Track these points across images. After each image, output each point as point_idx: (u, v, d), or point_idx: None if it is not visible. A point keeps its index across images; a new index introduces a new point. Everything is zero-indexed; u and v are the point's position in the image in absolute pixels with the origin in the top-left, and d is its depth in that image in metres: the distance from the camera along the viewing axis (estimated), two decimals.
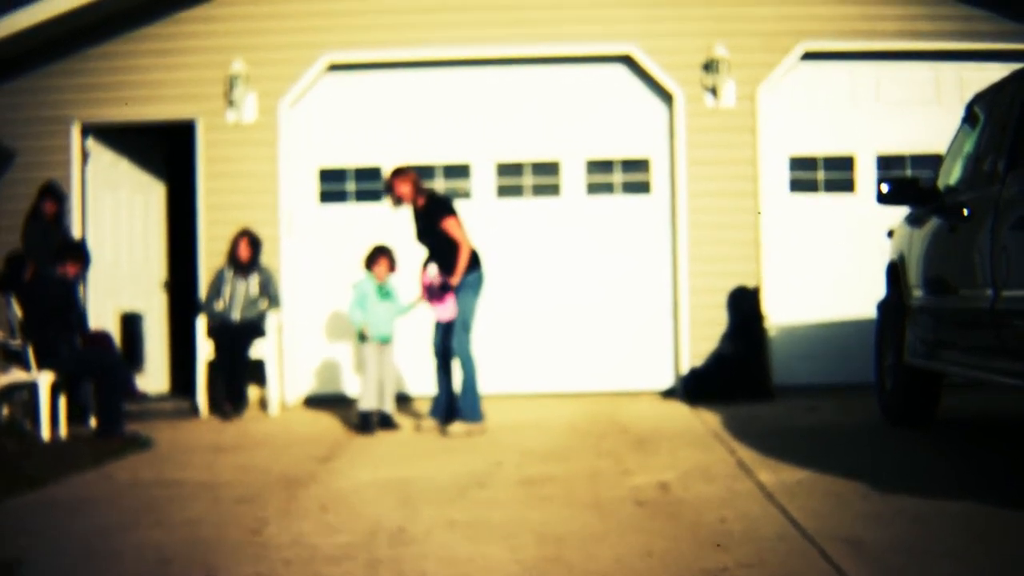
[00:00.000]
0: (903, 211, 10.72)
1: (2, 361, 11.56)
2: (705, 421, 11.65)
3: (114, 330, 14.59)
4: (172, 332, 15.91)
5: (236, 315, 13.54)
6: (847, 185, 14.26)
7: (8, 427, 11.29)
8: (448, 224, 11.40)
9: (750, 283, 13.94)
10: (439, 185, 14.30)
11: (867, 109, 14.27)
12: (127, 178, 15.39)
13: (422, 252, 11.83)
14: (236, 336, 13.43)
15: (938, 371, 9.81)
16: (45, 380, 11.17)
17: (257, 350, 13.57)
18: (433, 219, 11.49)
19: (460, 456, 9.92)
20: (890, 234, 11.21)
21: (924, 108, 14.15)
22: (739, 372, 13.59)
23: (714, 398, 13.23)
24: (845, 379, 13.66)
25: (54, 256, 12.07)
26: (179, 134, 14.80)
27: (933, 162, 12.06)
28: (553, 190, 14.49)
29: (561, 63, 14.44)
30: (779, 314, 14.07)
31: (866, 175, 14.17)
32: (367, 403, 11.81)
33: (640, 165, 14.40)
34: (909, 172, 13.98)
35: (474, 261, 11.50)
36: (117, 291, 15.10)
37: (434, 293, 11.41)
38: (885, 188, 9.91)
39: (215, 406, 13.41)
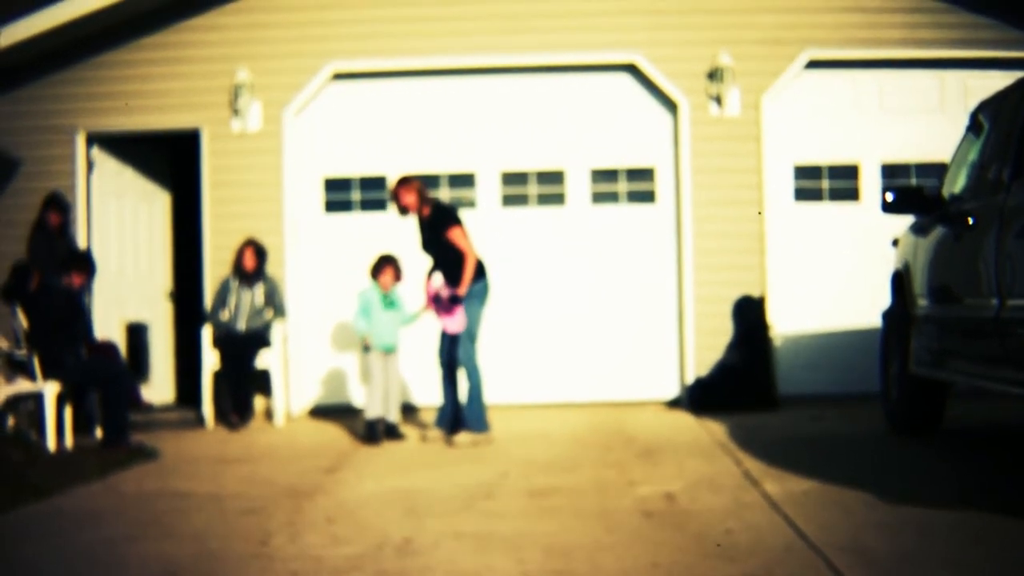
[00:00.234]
0: (908, 220, 10.72)
1: (7, 371, 11.57)
2: (710, 431, 11.64)
3: (119, 340, 14.59)
4: (177, 342, 15.91)
5: (241, 325, 13.54)
6: (851, 194, 14.25)
7: (14, 437, 11.30)
8: (453, 234, 11.40)
9: (755, 292, 13.93)
10: (444, 194, 14.30)
11: (871, 117, 14.27)
12: (132, 187, 15.40)
13: (428, 262, 11.83)
14: (241, 346, 13.43)
15: (943, 380, 9.81)
16: (51, 390, 11.18)
17: (262, 360, 13.56)
18: (438, 229, 11.49)
19: (466, 467, 9.92)
20: (895, 243, 11.21)
21: (928, 116, 14.14)
22: (744, 382, 13.58)
23: (719, 408, 13.22)
24: (850, 388, 13.63)
25: (59, 266, 12.08)
26: (184, 143, 14.79)
27: (938, 170, 12.08)
28: (558, 199, 14.48)
29: (566, 72, 14.44)
30: (784, 323, 14.05)
31: (870, 184, 14.16)
32: (373, 412, 11.81)
33: (645, 174, 14.40)
34: (914, 180, 13.97)
35: (479, 271, 11.50)
36: (122, 301, 15.10)
37: (443, 305, 11.39)
38: (890, 197, 9.90)
39: (221, 416, 13.42)
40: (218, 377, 13.50)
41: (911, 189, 10.25)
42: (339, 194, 14.59)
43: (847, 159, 14.24)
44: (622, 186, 14.44)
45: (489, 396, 11.78)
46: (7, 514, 8.19)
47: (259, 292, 13.60)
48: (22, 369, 11.57)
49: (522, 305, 14.21)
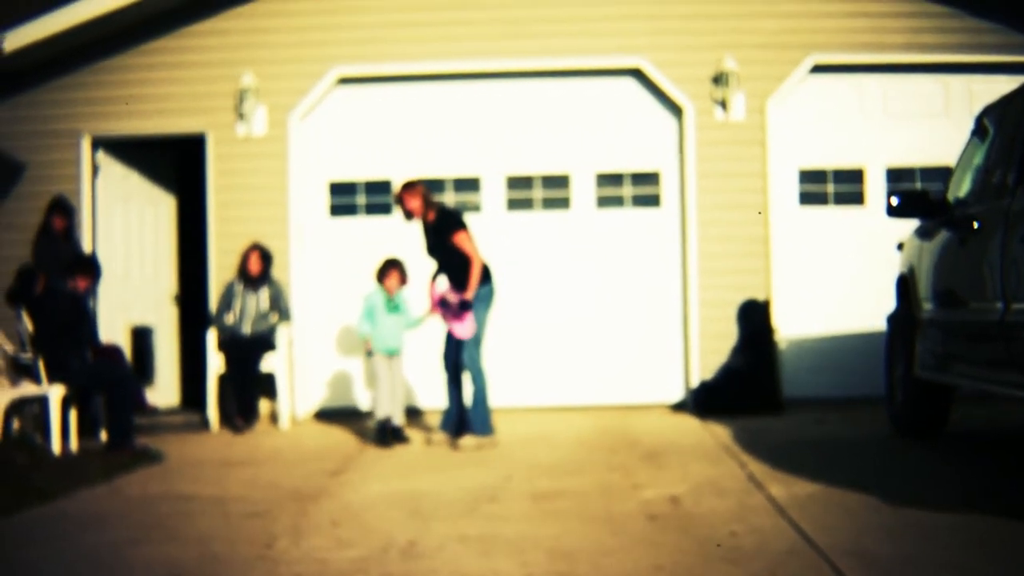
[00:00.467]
0: (913, 224, 10.72)
1: (13, 374, 11.57)
2: (715, 434, 11.64)
3: (124, 343, 14.61)
4: (182, 345, 15.92)
5: (247, 328, 13.55)
6: (856, 198, 14.25)
7: (19, 440, 11.30)
8: (459, 238, 11.40)
9: (760, 296, 13.93)
10: (449, 198, 14.31)
11: (876, 121, 14.27)
12: (137, 191, 15.41)
13: (432, 266, 11.84)
14: (247, 349, 13.44)
15: (948, 384, 9.81)
16: (56, 393, 11.18)
17: (268, 364, 13.57)
18: (443, 234, 11.50)
19: (471, 470, 9.92)
20: (900, 247, 11.21)
21: (933, 120, 14.14)
22: (749, 385, 13.58)
23: (724, 411, 13.22)
24: (855, 392, 13.63)
25: (65, 270, 12.09)
26: (189, 147, 14.81)
27: (942, 174, 12.07)
28: (563, 203, 14.48)
29: (571, 76, 14.45)
30: (789, 327, 14.05)
31: (875, 188, 14.17)
32: (383, 411, 11.84)
33: (650, 178, 14.40)
34: (918, 184, 13.97)
35: (485, 274, 11.51)
36: (127, 304, 15.11)
37: (453, 311, 11.39)
38: (895, 201, 9.91)
39: (226, 420, 13.43)
40: (223, 381, 13.51)
41: (916, 193, 10.23)
42: (344, 198, 14.60)
43: (852, 163, 14.24)
44: (627, 190, 14.45)
45: (493, 399, 11.77)
46: (12, 517, 8.20)
47: (264, 296, 13.60)
48: (27, 372, 11.58)
49: (527, 309, 14.21)
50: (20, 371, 11.65)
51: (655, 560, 6.35)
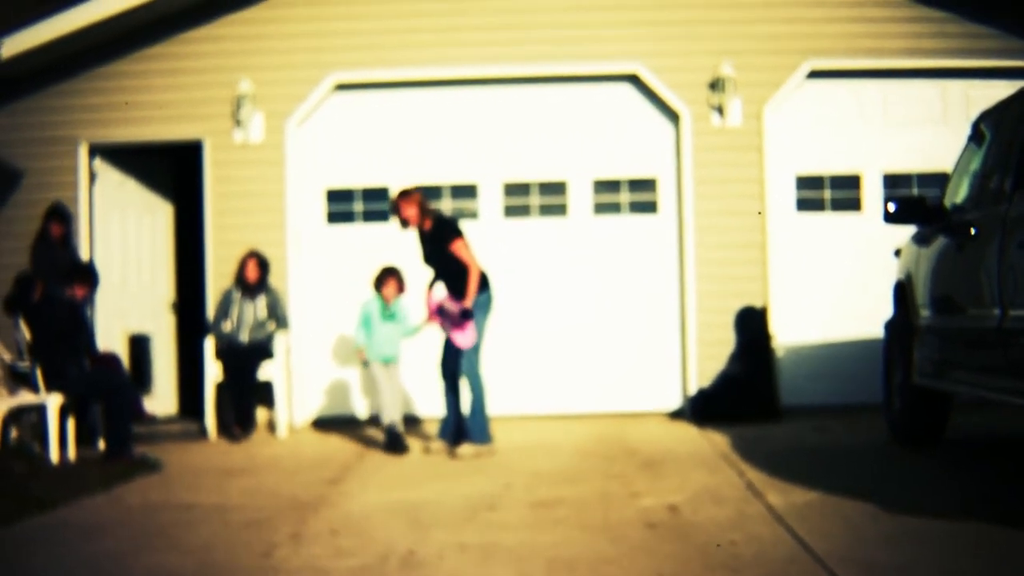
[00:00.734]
0: (910, 230, 10.72)
1: (10, 383, 11.57)
2: (713, 442, 11.64)
3: (122, 351, 14.59)
4: (180, 353, 15.89)
5: (244, 336, 13.54)
6: (854, 204, 14.25)
7: (17, 449, 11.30)
8: (456, 247, 11.40)
9: (757, 302, 13.93)
10: (446, 205, 14.31)
11: (873, 127, 14.27)
12: (135, 198, 15.40)
13: (429, 274, 11.84)
14: (244, 357, 13.43)
15: (946, 391, 9.81)
16: (54, 402, 11.18)
17: (265, 372, 13.55)
18: (441, 242, 11.50)
19: (469, 478, 9.92)
20: (897, 253, 11.22)
21: (930, 126, 14.14)
22: (747, 393, 13.58)
23: (722, 419, 13.21)
24: (852, 399, 13.61)
25: (62, 278, 12.09)
26: (186, 154, 14.80)
27: (940, 180, 12.08)
28: (560, 210, 14.48)
29: (568, 82, 14.45)
30: (786, 334, 14.05)
31: (873, 194, 14.16)
32: (389, 417, 11.88)
33: (647, 184, 14.40)
34: (916, 190, 13.96)
35: (483, 282, 11.51)
36: (125, 312, 15.10)
37: (453, 320, 11.39)
38: (892, 207, 9.92)
39: (224, 428, 13.41)
40: (221, 389, 13.50)
41: (913, 199, 10.24)
42: (341, 205, 14.59)
43: (849, 169, 14.24)
44: (624, 196, 14.45)
45: (492, 407, 11.77)
46: (11, 527, 8.20)
47: (261, 303, 13.59)
48: (25, 381, 11.58)
49: (524, 316, 14.19)
50: (18, 379, 11.65)
51: (654, 569, 6.36)
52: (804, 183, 14.29)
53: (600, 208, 14.45)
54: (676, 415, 14.08)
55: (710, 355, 13.99)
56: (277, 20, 14.36)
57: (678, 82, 14.10)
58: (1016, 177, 8.09)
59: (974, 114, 10.34)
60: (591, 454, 11.24)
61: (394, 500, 8.92)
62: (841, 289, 14.09)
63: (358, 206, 14.56)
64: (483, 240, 13.30)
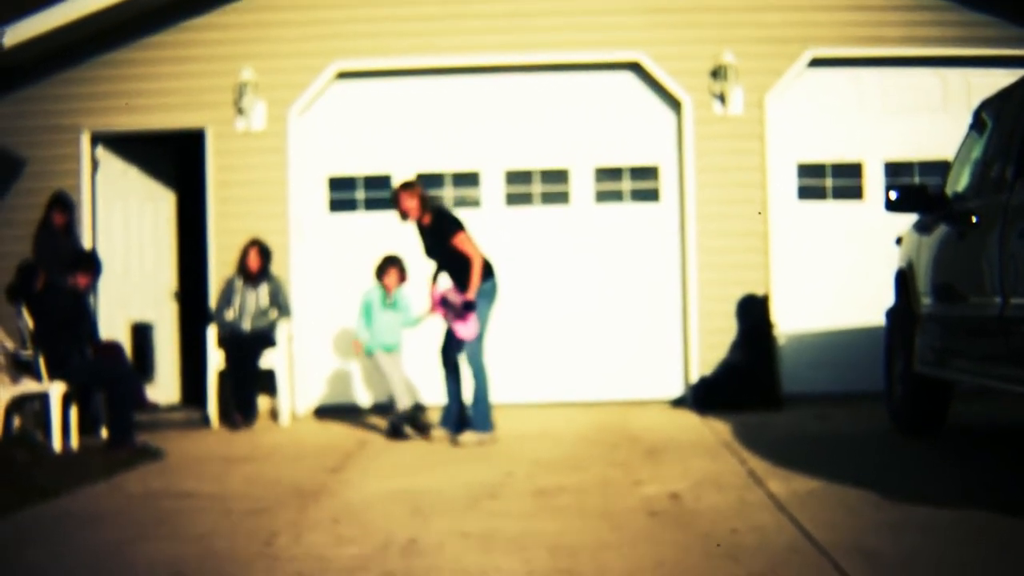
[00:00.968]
0: (911, 218, 10.72)
1: (13, 372, 11.58)
2: (715, 430, 11.65)
3: (125, 340, 14.60)
4: (182, 342, 15.89)
5: (246, 325, 13.54)
6: (855, 192, 14.25)
7: (19, 438, 11.31)
8: (459, 240, 11.40)
9: (759, 291, 13.94)
10: (448, 193, 14.33)
11: (874, 115, 14.26)
12: (137, 187, 15.40)
13: (432, 266, 11.85)
14: (246, 346, 13.43)
15: (947, 379, 9.81)
16: (56, 391, 11.19)
17: (267, 360, 13.56)
18: (443, 236, 11.49)
19: (471, 466, 9.93)
20: (898, 241, 11.21)
21: (931, 114, 14.13)
22: (748, 381, 13.58)
23: (724, 407, 13.22)
24: (854, 387, 13.60)
25: (65, 266, 12.10)
26: (189, 142, 14.80)
27: (941, 169, 12.06)
28: (562, 198, 14.48)
29: (570, 70, 14.44)
30: (788, 322, 14.05)
31: (874, 182, 14.16)
32: (404, 403, 11.91)
33: (649, 172, 14.40)
34: (917, 179, 13.96)
35: (488, 271, 11.51)
36: (127, 301, 15.11)
37: (456, 311, 11.39)
38: (893, 195, 9.91)
39: (226, 416, 13.41)
40: (223, 377, 13.50)
41: (915, 187, 10.24)
42: (344, 193, 14.59)
43: (851, 157, 14.24)
44: (626, 185, 14.45)
45: (494, 395, 11.78)
46: (14, 515, 8.21)
47: (264, 292, 13.60)
48: (28, 369, 11.59)
49: (526, 304, 14.19)
50: (20, 368, 11.65)
51: (656, 557, 6.37)
52: (806, 171, 14.29)
53: (602, 196, 14.45)
54: (678, 403, 14.09)
55: (712, 343, 14.00)
56: (279, 8, 14.36)
57: (680, 70, 14.09)
58: (1017, 165, 8.08)
59: (975, 102, 10.31)
60: (593, 442, 11.24)
61: (395, 488, 8.92)
62: (843, 277, 14.09)
63: (360, 194, 14.57)
64: (485, 228, 13.32)
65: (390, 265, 12.12)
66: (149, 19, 14.27)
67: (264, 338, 13.57)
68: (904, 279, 10.76)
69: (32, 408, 11.83)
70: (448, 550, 6.71)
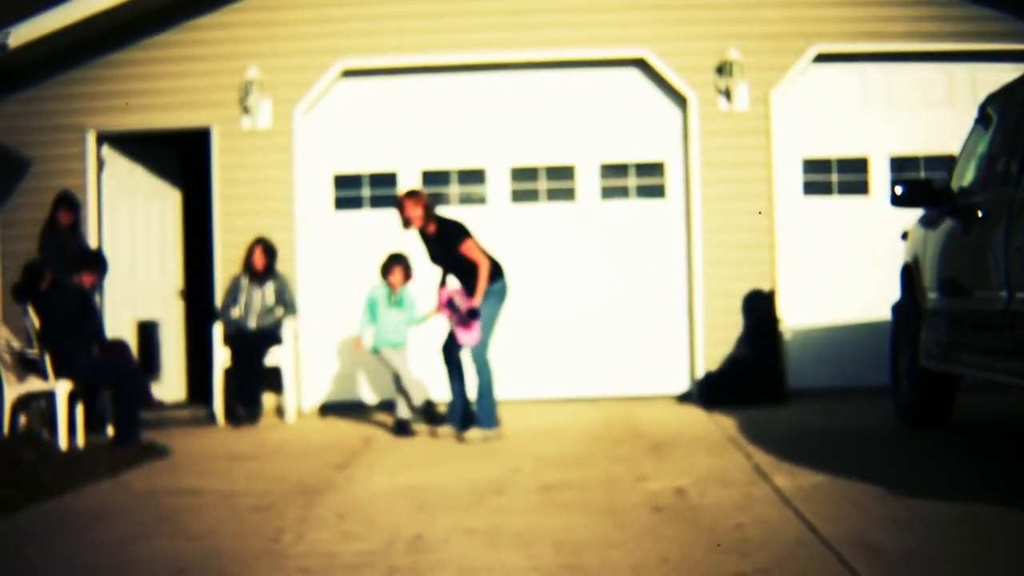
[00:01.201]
0: (917, 213, 10.71)
1: (19, 370, 11.59)
2: (721, 425, 11.64)
3: (130, 338, 14.60)
4: (188, 340, 15.89)
5: (252, 322, 13.56)
6: (861, 187, 14.22)
7: (25, 436, 11.33)
8: (467, 248, 11.39)
9: (764, 286, 13.93)
10: (454, 190, 14.35)
11: (880, 111, 14.25)
12: (143, 186, 15.40)
13: (438, 271, 11.86)
14: (252, 343, 13.45)
15: (953, 373, 9.80)
16: (62, 389, 11.21)
17: (273, 357, 13.58)
18: (450, 245, 11.48)
19: (477, 462, 9.94)
20: (904, 236, 11.20)
21: (937, 109, 14.12)
22: (754, 376, 13.57)
23: (729, 402, 13.21)
24: (860, 382, 13.58)
25: (71, 265, 12.11)
26: (194, 141, 14.80)
27: (947, 163, 12.04)
28: (568, 195, 14.48)
29: (575, 67, 14.44)
30: (793, 317, 14.04)
31: (880, 177, 14.14)
32: (419, 398, 11.92)
33: (654, 169, 14.39)
34: (923, 173, 13.94)
35: (497, 273, 11.52)
36: (133, 299, 15.12)
37: (461, 317, 11.40)
38: (899, 190, 9.91)
39: (231, 414, 13.41)
40: (229, 375, 13.51)
41: (920, 182, 10.24)
42: (349, 191, 14.60)
43: (856, 153, 14.22)
44: (632, 181, 14.45)
45: (500, 392, 11.78)
46: (20, 513, 8.22)
47: (269, 290, 13.62)
48: (34, 368, 11.60)
49: (532, 301, 14.17)
50: (26, 367, 11.66)
51: (662, 552, 6.37)
52: (811, 167, 14.28)
53: (608, 192, 14.44)
54: (683, 398, 14.09)
55: (717, 339, 13.99)
56: (284, 7, 14.37)
57: (685, 66, 14.09)
58: (1023, 160, 8.07)
59: (981, 97, 10.29)
60: (598, 438, 11.24)
61: (401, 484, 8.93)
62: (848, 272, 14.08)
63: (365, 192, 14.57)
64: (491, 225, 13.37)
65: (395, 263, 12.13)
66: (154, 19, 14.28)
67: (270, 336, 13.58)
68: (910, 274, 10.75)
69: (38, 406, 11.86)
70: (454, 546, 6.72)
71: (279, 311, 13.66)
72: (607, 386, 14.28)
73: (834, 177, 14.24)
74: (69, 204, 13.66)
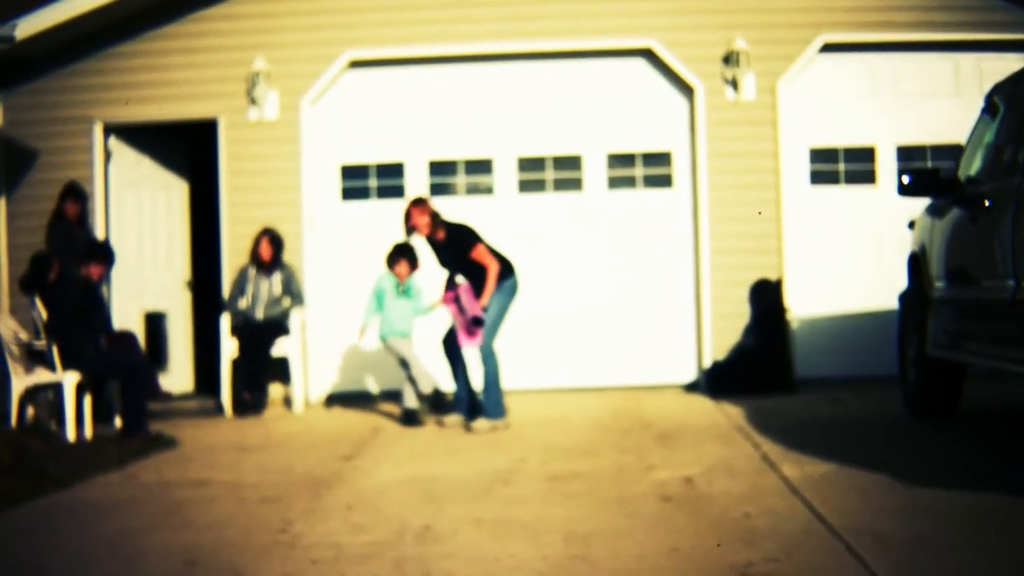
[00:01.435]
0: (924, 202, 10.71)
1: (27, 362, 11.61)
2: (728, 415, 11.65)
3: (138, 330, 14.61)
4: (196, 331, 15.91)
5: (259, 313, 13.57)
6: (868, 176, 14.23)
7: (33, 427, 11.36)
8: (478, 253, 11.42)
9: (772, 275, 13.92)
10: (461, 181, 14.36)
11: (886, 100, 14.23)
12: (150, 177, 15.41)
13: (445, 272, 11.87)
14: (259, 334, 13.46)
15: (960, 362, 9.81)
16: (70, 380, 11.23)
17: (281, 348, 13.59)
18: (461, 250, 11.51)
19: (484, 453, 9.95)
20: (911, 225, 11.19)
21: (943, 99, 14.11)
22: (761, 365, 13.57)
23: (737, 391, 13.21)
24: (867, 371, 13.59)
25: (78, 257, 12.12)
26: (201, 132, 14.81)
27: (953, 153, 12.04)
28: (575, 184, 14.48)
29: (582, 57, 14.43)
30: (801, 306, 14.03)
31: (886, 166, 14.14)
32: (428, 386, 11.94)
33: (661, 158, 14.39)
34: (929, 163, 13.93)
35: (507, 270, 11.54)
36: (141, 291, 15.13)
37: (466, 322, 11.42)
38: (906, 179, 9.91)
39: (238, 404, 13.43)
40: (236, 365, 13.52)
41: (927, 172, 10.24)
42: (356, 182, 14.60)
43: (863, 142, 14.21)
44: (639, 171, 14.45)
45: (507, 381, 11.79)
46: (28, 504, 8.24)
47: (276, 280, 13.62)
48: (41, 360, 11.62)
49: (539, 291, 14.15)
50: (35, 358, 11.68)
51: (670, 542, 6.37)
52: (818, 156, 14.27)
53: (615, 182, 14.45)
54: (691, 388, 14.09)
55: (725, 328, 13.99)
56: None
57: (692, 57, 14.08)
58: None
59: (987, 86, 10.30)
60: (606, 427, 11.25)
61: (409, 475, 8.94)
62: (855, 261, 14.08)
63: (372, 182, 14.58)
64: (498, 215, 13.40)
65: (401, 254, 12.14)
66: (160, 10, 14.29)
67: (277, 326, 13.59)
68: (917, 263, 10.75)
69: (46, 398, 11.88)
70: (462, 537, 6.72)
71: (286, 302, 13.66)
72: (614, 376, 14.29)
73: (841, 166, 14.24)
74: (76, 195, 13.67)
